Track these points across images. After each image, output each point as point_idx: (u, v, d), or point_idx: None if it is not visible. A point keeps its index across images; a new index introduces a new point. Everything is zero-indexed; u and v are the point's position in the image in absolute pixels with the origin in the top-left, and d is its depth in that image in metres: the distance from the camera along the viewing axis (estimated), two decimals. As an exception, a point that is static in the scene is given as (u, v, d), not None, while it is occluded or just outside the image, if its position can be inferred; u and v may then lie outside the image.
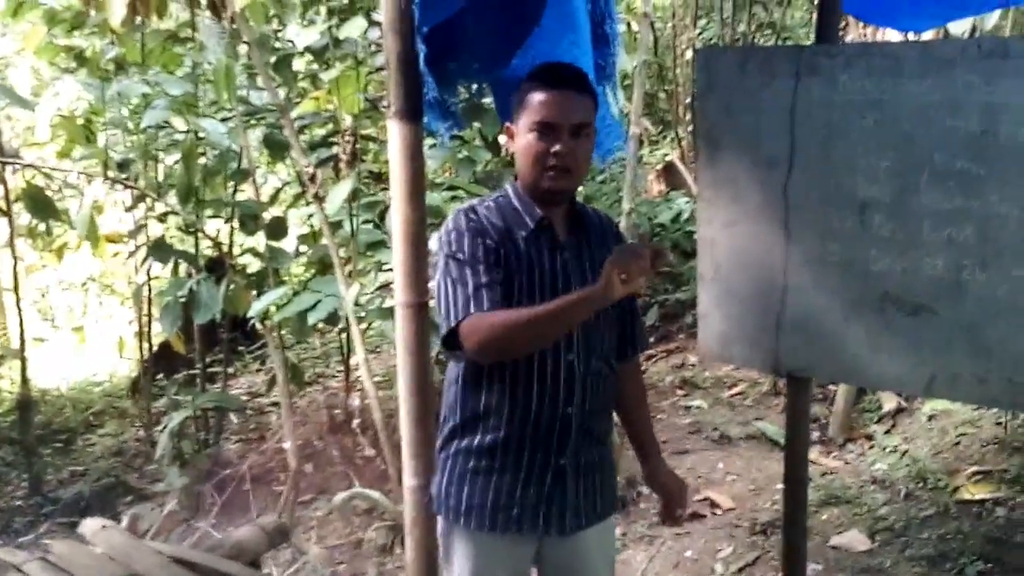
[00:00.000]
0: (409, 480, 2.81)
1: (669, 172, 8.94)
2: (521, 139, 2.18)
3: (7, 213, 5.66)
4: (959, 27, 4.77)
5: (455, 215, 2.22)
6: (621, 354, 2.42)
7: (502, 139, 4.60)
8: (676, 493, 2.51)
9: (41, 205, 4.90)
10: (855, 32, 5.99)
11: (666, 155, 9.12)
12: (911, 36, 4.08)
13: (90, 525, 3.89)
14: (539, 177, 2.16)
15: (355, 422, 5.44)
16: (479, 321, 2.04)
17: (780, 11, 8.69)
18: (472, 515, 2.26)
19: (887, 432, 5.27)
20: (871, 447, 5.19)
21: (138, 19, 4.73)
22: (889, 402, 5.48)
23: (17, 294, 5.79)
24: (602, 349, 2.28)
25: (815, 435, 5.27)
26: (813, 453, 5.02)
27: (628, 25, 7.95)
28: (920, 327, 2.46)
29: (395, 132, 2.63)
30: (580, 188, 7.37)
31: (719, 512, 4.66)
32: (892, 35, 4.71)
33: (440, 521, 2.38)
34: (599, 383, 2.27)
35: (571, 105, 2.14)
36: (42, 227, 6.31)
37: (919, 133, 2.37)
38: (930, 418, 5.18)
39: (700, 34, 9.38)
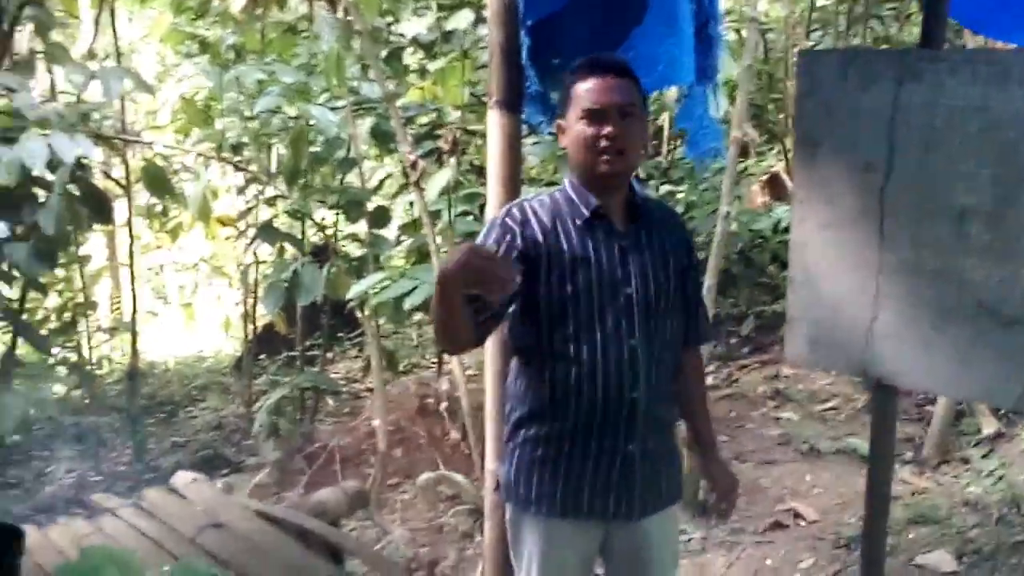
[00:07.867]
0: (491, 464, 2.88)
1: (774, 184, 8.80)
2: (572, 131, 2.21)
3: (127, 191, 5.92)
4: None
5: (505, 207, 2.29)
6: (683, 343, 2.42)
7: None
8: (723, 489, 2.51)
9: (159, 183, 5.09)
10: (972, 45, 5.83)
11: (771, 166, 8.99)
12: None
13: (181, 477, 4.07)
14: (594, 163, 2.18)
15: (442, 405, 5.52)
16: None
17: (897, 26, 8.50)
18: (542, 502, 2.29)
19: (984, 456, 5.11)
20: (966, 470, 5.04)
21: (259, 10, 4.93)
22: (988, 426, 5.32)
23: (132, 271, 6.05)
24: (666, 336, 2.28)
25: (909, 455, 5.16)
26: (905, 472, 4.92)
27: (738, 32, 7.89)
28: (1014, 339, 2.41)
29: (494, 122, 2.71)
30: (681, 195, 7.36)
31: (803, 524, 4.59)
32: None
33: (509, 509, 2.41)
34: (663, 370, 2.28)
35: (615, 88, 2.17)
36: (159, 208, 6.60)
37: None
38: (1030, 444, 5.03)
39: (814, 46, 9.21)
